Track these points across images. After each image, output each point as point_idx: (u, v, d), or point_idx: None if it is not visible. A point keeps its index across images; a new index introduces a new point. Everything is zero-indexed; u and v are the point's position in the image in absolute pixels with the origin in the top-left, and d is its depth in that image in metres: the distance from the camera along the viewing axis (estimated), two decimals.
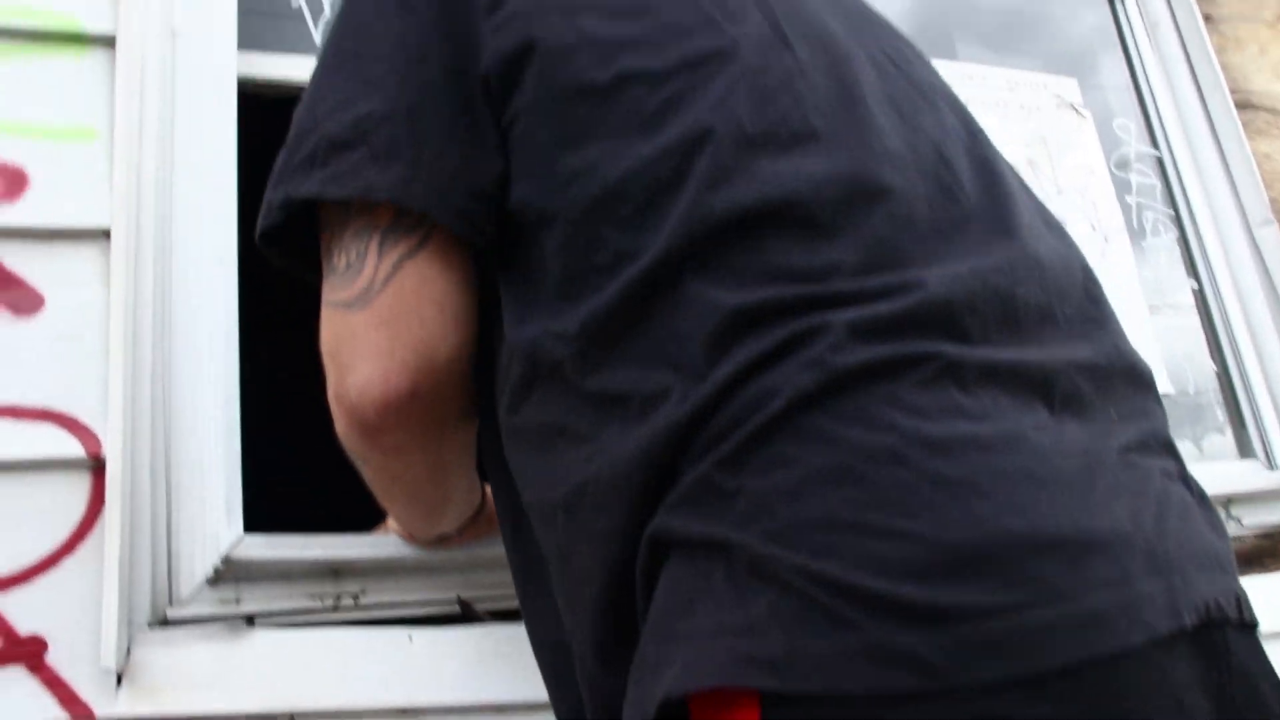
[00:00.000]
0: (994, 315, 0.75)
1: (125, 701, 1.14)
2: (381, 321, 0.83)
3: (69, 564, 1.17)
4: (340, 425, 0.88)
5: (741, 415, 0.69)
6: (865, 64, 0.89)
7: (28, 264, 1.25)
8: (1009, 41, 2.21)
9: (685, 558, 0.71)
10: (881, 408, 0.68)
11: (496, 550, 1.10)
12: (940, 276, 0.74)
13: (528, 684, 1.11)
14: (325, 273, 0.88)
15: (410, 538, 1.25)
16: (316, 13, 1.61)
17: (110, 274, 1.25)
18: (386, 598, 1.28)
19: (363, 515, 1.28)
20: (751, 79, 0.82)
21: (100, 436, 1.20)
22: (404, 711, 1.21)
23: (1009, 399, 0.72)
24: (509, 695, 1.23)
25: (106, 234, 1.27)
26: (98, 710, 1.13)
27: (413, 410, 0.85)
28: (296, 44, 1.57)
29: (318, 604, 1.26)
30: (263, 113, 1.50)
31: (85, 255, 1.27)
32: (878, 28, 0.99)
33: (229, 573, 1.22)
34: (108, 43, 1.36)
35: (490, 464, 0.96)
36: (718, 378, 0.71)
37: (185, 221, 1.33)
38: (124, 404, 1.19)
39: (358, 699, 1.20)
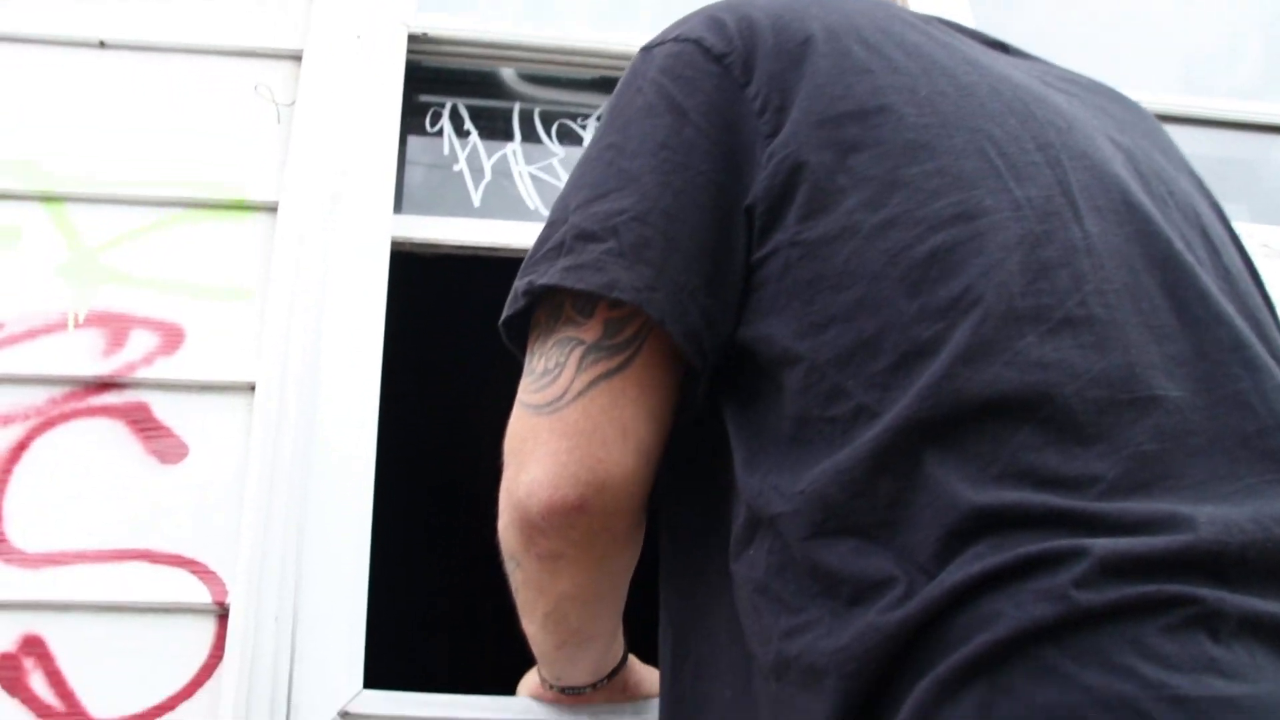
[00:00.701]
0: (1265, 566, 0.66)
1: None
2: (564, 433, 0.81)
3: (186, 709, 1.18)
4: (503, 519, 0.87)
5: (966, 634, 0.63)
6: (1165, 245, 0.81)
7: (177, 415, 1.32)
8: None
9: None
10: (1123, 651, 0.60)
11: None
12: (1213, 518, 0.66)
13: None
14: (525, 370, 0.87)
15: (541, 694, 1.21)
16: (478, 176, 1.67)
17: (252, 427, 1.30)
18: None
19: (488, 676, 1.25)
20: (1029, 247, 0.76)
21: (228, 585, 1.23)
22: None
23: (1269, 657, 0.62)
24: None
25: (252, 388, 1.33)
26: None
27: (576, 522, 0.82)
28: (455, 207, 1.63)
29: None
30: (413, 271, 1.56)
31: (231, 407, 1.33)
32: (1190, 195, 0.90)
33: None
34: (270, 209, 1.46)
35: (680, 609, 0.91)
36: (946, 582, 0.64)
37: (330, 378, 1.37)
38: (252, 554, 1.22)
39: None
